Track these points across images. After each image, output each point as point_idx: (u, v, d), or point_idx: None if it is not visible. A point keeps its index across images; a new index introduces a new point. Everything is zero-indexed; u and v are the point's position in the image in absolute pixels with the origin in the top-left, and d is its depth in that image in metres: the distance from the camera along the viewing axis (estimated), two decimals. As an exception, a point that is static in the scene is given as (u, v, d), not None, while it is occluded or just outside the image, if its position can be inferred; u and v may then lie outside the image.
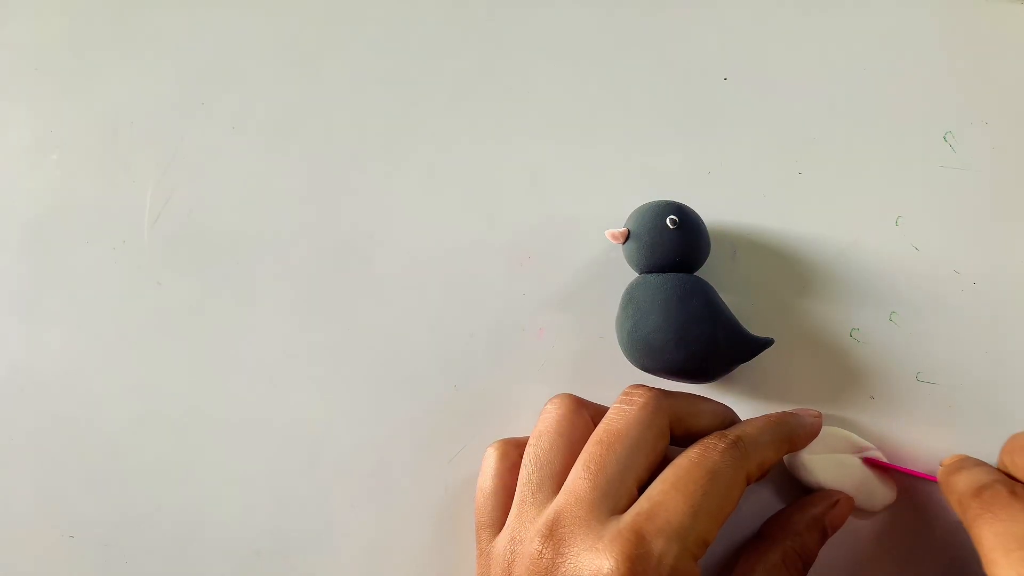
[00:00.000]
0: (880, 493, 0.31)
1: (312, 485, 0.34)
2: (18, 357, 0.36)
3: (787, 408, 0.33)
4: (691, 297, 0.30)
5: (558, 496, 0.26)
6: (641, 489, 0.26)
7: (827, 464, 0.31)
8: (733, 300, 0.32)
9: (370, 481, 0.34)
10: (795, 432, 0.29)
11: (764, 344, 0.31)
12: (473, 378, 0.34)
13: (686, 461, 0.25)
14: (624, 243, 0.32)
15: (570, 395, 0.29)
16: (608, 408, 0.29)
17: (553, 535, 0.25)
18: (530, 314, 0.34)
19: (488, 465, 0.30)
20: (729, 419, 0.30)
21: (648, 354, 0.30)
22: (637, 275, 0.32)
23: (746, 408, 0.33)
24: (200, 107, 0.37)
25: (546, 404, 0.30)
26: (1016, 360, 0.32)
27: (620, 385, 0.33)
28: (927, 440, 0.32)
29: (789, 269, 0.34)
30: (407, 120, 0.37)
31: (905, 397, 0.33)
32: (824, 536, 0.30)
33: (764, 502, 0.32)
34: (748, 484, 0.26)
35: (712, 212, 0.33)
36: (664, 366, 0.30)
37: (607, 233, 0.32)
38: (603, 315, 0.34)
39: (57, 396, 0.35)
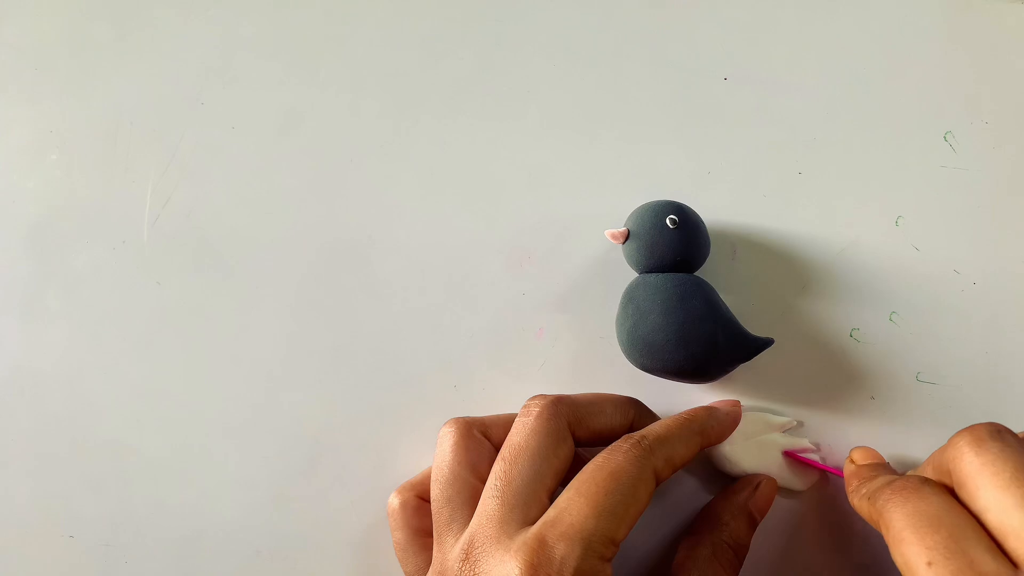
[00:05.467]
0: (805, 470, 0.32)
1: (312, 485, 0.34)
2: (18, 357, 0.36)
3: (787, 408, 0.33)
4: (691, 297, 0.30)
5: (472, 520, 0.27)
6: (553, 496, 0.26)
7: (747, 451, 0.31)
8: (733, 300, 0.32)
9: (370, 481, 0.34)
10: (706, 427, 0.29)
11: (764, 344, 0.31)
12: (473, 378, 0.34)
13: (591, 466, 0.26)
14: (624, 243, 0.32)
15: (459, 419, 0.30)
16: (498, 415, 0.30)
17: (469, 557, 0.25)
18: (530, 314, 0.34)
19: (394, 520, 0.31)
20: (635, 410, 0.30)
21: (648, 354, 0.30)
22: (637, 275, 0.32)
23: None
24: (200, 107, 0.37)
25: (440, 430, 0.30)
26: (1016, 360, 0.32)
27: (620, 385, 0.33)
28: (928, 440, 0.32)
29: (789, 269, 0.34)
30: (407, 120, 0.37)
31: (905, 397, 0.33)
32: (752, 522, 0.30)
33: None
34: (659, 481, 0.26)
35: (712, 212, 0.33)
36: (664, 366, 0.30)
37: (607, 233, 0.32)
38: (603, 315, 0.34)
39: (57, 396, 0.35)
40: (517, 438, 0.27)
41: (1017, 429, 0.32)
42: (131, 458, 0.35)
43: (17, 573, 0.34)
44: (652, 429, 0.27)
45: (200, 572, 0.34)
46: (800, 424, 0.33)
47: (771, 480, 0.31)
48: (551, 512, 0.25)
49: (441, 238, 0.35)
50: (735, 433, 0.31)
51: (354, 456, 0.34)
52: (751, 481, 0.31)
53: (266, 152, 0.37)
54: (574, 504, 0.25)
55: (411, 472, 0.33)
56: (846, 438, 0.32)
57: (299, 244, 0.36)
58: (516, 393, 0.34)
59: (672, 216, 0.31)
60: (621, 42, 0.37)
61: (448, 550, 0.27)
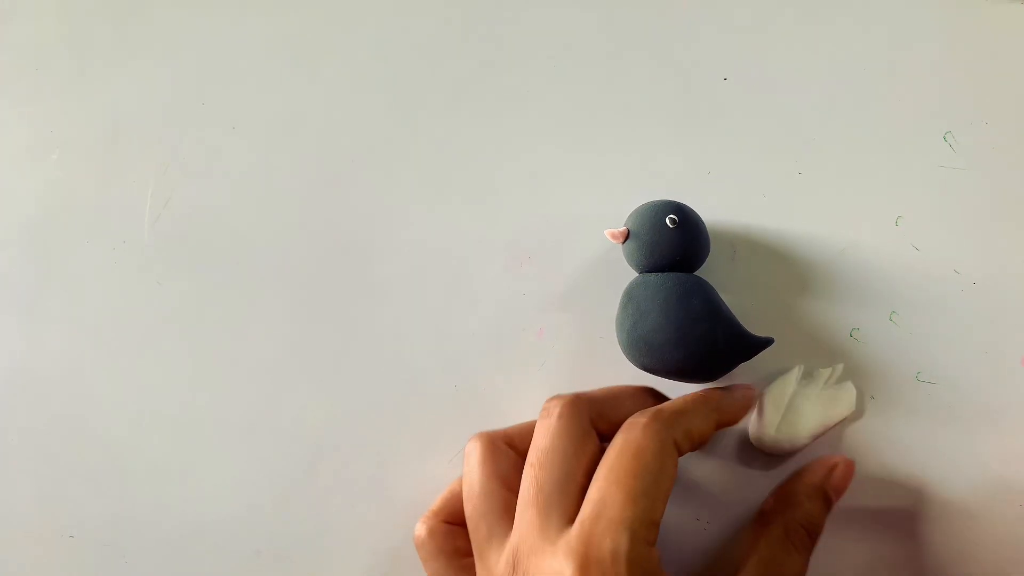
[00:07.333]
0: (841, 403, 0.32)
1: (312, 485, 0.34)
2: (18, 357, 0.36)
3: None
4: (691, 296, 0.30)
5: (512, 532, 0.26)
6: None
7: (788, 422, 0.31)
8: (733, 300, 0.32)
9: (370, 481, 0.34)
10: (722, 404, 0.29)
11: (764, 343, 0.31)
12: (473, 378, 0.34)
13: (612, 451, 0.26)
14: (624, 242, 0.32)
15: (482, 434, 0.30)
16: (520, 424, 0.30)
17: (517, 569, 0.25)
18: (530, 314, 0.34)
19: (425, 550, 0.30)
20: (652, 399, 0.30)
21: (648, 353, 0.30)
22: (637, 275, 0.32)
23: (746, 408, 0.33)
24: (200, 107, 0.37)
25: (466, 447, 0.30)
26: (1016, 360, 0.32)
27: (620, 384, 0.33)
28: (927, 440, 0.32)
29: (789, 269, 0.34)
30: (407, 120, 0.37)
31: (905, 397, 0.33)
32: (828, 503, 0.30)
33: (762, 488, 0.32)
34: (681, 453, 0.26)
35: (712, 212, 0.33)
36: (664, 365, 0.30)
37: (607, 232, 0.32)
38: (603, 315, 0.34)
39: (57, 396, 0.35)
40: (542, 442, 0.27)
41: (1016, 429, 0.32)
42: (131, 458, 0.35)
43: (17, 573, 0.34)
44: (668, 404, 0.28)
45: (200, 572, 0.34)
46: (801, 367, 0.33)
47: (849, 462, 0.30)
48: (587, 508, 0.25)
49: (441, 238, 0.35)
50: (770, 413, 0.31)
51: (354, 456, 0.34)
52: (827, 462, 0.30)
53: (266, 152, 0.37)
54: (608, 494, 0.25)
55: (411, 472, 0.33)
56: (846, 438, 0.32)
57: (299, 244, 0.36)
58: (516, 393, 0.34)
59: (672, 216, 0.31)
60: (621, 42, 0.37)
61: (493, 566, 0.27)
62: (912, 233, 0.34)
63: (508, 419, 0.33)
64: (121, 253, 0.36)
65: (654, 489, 0.25)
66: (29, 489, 0.35)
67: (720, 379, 0.33)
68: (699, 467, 0.33)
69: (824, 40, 0.36)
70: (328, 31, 0.38)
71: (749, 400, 0.31)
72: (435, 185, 0.36)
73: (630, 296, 0.31)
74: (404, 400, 0.34)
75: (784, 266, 0.34)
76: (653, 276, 0.31)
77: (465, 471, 0.29)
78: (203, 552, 0.34)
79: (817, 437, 0.32)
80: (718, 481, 0.33)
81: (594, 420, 0.28)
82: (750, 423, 0.32)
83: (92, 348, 0.36)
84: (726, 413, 0.29)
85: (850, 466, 0.30)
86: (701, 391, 0.29)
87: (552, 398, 0.29)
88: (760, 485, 0.32)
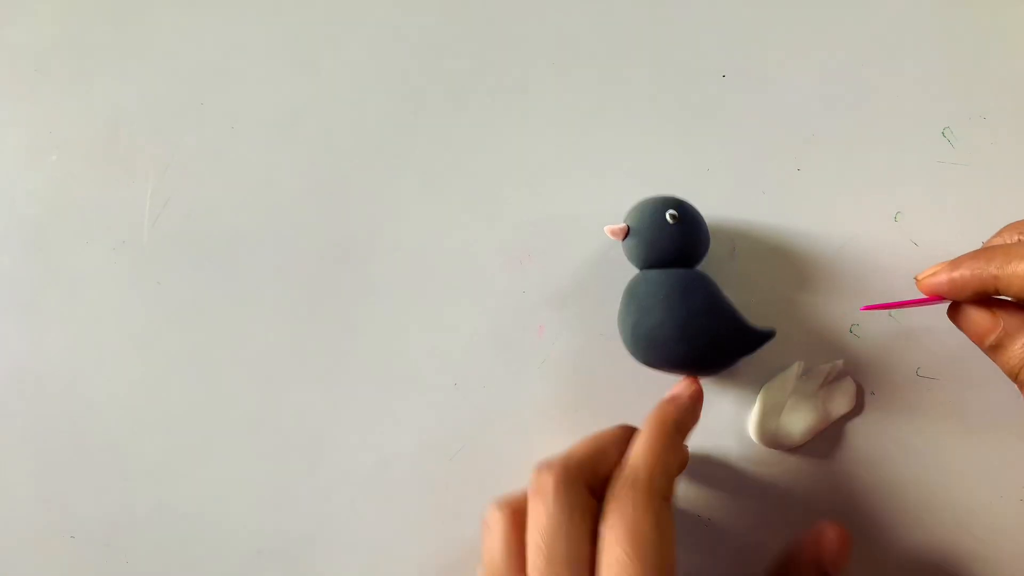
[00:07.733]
0: (841, 399, 0.32)
1: (312, 485, 0.34)
2: (19, 357, 0.36)
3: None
4: (693, 291, 0.30)
5: None
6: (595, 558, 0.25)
7: (791, 420, 0.32)
8: (733, 296, 0.32)
9: (370, 481, 0.34)
10: (680, 421, 0.28)
11: (766, 336, 0.31)
12: (473, 377, 0.34)
13: (611, 536, 0.25)
14: (624, 239, 0.32)
15: (501, 504, 0.28)
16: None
17: None
18: (530, 312, 0.34)
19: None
20: (628, 436, 0.29)
21: (652, 349, 0.30)
22: (637, 271, 0.32)
23: (746, 403, 0.33)
24: (200, 107, 0.37)
25: (487, 516, 0.28)
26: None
27: (620, 382, 0.33)
28: (927, 436, 0.32)
29: (788, 265, 0.34)
30: (407, 119, 0.37)
31: (905, 393, 0.33)
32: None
33: (763, 485, 0.32)
34: (673, 495, 0.26)
35: (711, 208, 0.33)
36: (667, 360, 0.30)
37: (607, 229, 0.32)
38: (603, 312, 0.34)
39: (57, 396, 0.35)
40: (542, 520, 0.26)
41: (1016, 423, 0.32)
42: (131, 458, 0.35)
43: (17, 573, 0.34)
44: (641, 459, 0.27)
45: (200, 572, 0.34)
46: (801, 363, 0.33)
47: (842, 532, 0.29)
48: None
49: (441, 237, 0.35)
50: (770, 409, 0.32)
51: (354, 456, 0.34)
52: (819, 535, 0.29)
53: (266, 152, 0.37)
54: None
55: (411, 470, 0.33)
56: (846, 433, 0.32)
57: (299, 244, 0.36)
58: (517, 391, 0.34)
59: (672, 211, 0.31)
60: (620, 40, 0.37)
61: None
62: (911, 228, 0.34)
63: (508, 418, 0.33)
64: (121, 253, 0.36)
65: (659, 558, 0.24)
66: (29, 489, 0.35)
67: (721, 374, 0.33)
68: (700, 464, 0.33)
69: (822, 36, 0.36)
70: (328, 31, 0.38)
71: (698, 395, 0.30)
72: (435, 184, 0.36)
73: (632, 293, 0.31)
74: (404, 399, 0.34)
75: (784, 262, 0.34)
76: (654, 272, 0.31)
77: (485, 546, 0.28)
78: (203, 552, 0.34)
79: (817, 433, 0.32)
80: (719, 478, 0.33)
81: (589, 484, 0.27)
82: (750, 420, 0.32)
83: (92, 348, 0.35)
84: (686, 427, 0.29)
85: (844, 536, 0.29)
86: (654, 415, 0.28)
87: (540, 469, 0.27)
88: (761, 481, 0.32)
